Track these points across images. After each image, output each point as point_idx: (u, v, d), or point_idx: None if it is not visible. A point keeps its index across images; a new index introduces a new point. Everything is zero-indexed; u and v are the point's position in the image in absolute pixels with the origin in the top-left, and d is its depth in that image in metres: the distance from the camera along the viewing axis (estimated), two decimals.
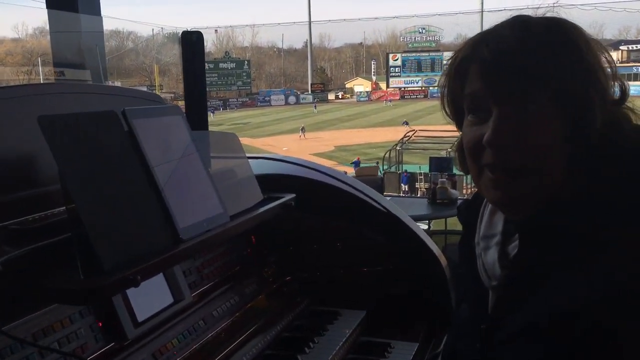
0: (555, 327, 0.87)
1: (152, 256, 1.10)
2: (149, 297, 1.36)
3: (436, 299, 1.82)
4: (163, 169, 1.27)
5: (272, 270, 1.88)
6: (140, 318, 1.31)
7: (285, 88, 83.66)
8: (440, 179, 6.27)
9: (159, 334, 1.36)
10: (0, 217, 1.12)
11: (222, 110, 66.49)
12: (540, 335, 0.89)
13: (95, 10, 2.52)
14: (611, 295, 0.83)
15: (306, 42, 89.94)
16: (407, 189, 21.79)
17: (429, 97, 73.80)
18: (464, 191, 21.12)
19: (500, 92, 0.92)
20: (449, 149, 23.74)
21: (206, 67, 2.02)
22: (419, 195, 19.11)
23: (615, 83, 0.95)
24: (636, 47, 68.41)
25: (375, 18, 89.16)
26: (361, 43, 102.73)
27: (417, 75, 76.56)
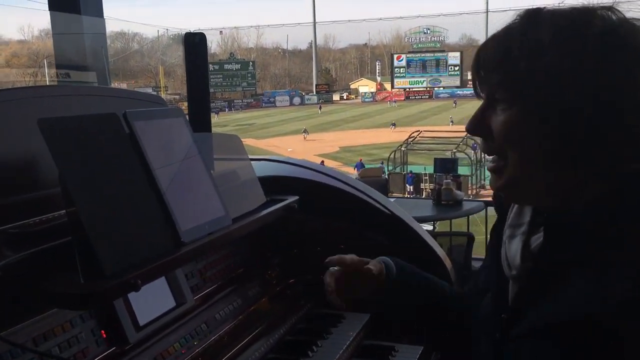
0: (573, 328, 0.86)
1: (153, 260, 1.09)
2: (151, 301, 1.35)
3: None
4: (164, 171, 1.26)
5: (275, 272, 1.87)
6: (141, 322, 1.30)
7: (290, 89, 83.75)
8: (445, 180, 6.24)
9: (161, 337, 1.34)
10: (1, 220, 1.11)
11: (227, 111, 66.60)
12: (558, 334, 0.88)
13: (98, 12, 2.51)
14: (631, 298, 0.83)
15: (311, 43, 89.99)
16: (412, 190, 21.79)
17: (434, 97, 73.74)
18: (469, 192, 21.13)
19: (475, 83, 1.01)
20: (453, 150, 23.77)
21: (211, 68, 2.02)
22: (423, 196, 19.10)
23: None
24: None
25: (380, 19, 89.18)
26: (366, 44, 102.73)
27: (422, 76, 76.47)
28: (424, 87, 76.23)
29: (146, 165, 1.22)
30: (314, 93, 78.75)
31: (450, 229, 5.84)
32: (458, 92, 72.66)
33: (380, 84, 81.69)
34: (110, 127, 1.18)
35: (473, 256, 3.77)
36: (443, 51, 77.40)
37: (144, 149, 1.23)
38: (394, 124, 44.95)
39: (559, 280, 0.91)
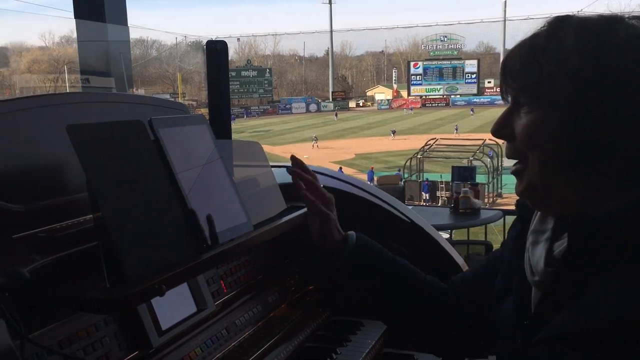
0: (597, 335, 0.85)
1: (178, 265, 1.10)
2: (173, 306, 1.37)
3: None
4: (188, 177, 1.27)
5: (294, 279, 1.88)
6: (164, 326, 1.31)
7: (307, 96, 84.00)
8: (463, 189, 6.21)
9: (182, 342, 1.36)
10: (29, 225, 1.13)
11: (244, 117, 66.93)
12: (582, 341, 0.87)
13: (122, 20, 2.55)
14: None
15: (327, 50, 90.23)
16: (427, 198, 21.71)
17: (450, 105, 73.49)
18: (486, 200, 20.98)
19: (502, 87, 1.03)
20: (470, 158, 23.66)
21: None
22: (439, 204, 19.01)
23: None
24: None
25: (397, 26, 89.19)
26: (382, 51, 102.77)
27: (438, 84, 76.31)
28: (440, 95, 76.04)
29: (170, 171, 1.23)
30: (330, 100, 78.93)
31: (468, 237, 5.81)
32: (475, 99, 72.42)
33: (397, 91, 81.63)
34: (136, 133, 1.20)
35: None
36: (460, 59, 77.22)
37: (168, 155, 1.24)
38: (393, 132, 45.03)
39: (583, 287, 0.90)
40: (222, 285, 1.58)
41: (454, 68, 76.15)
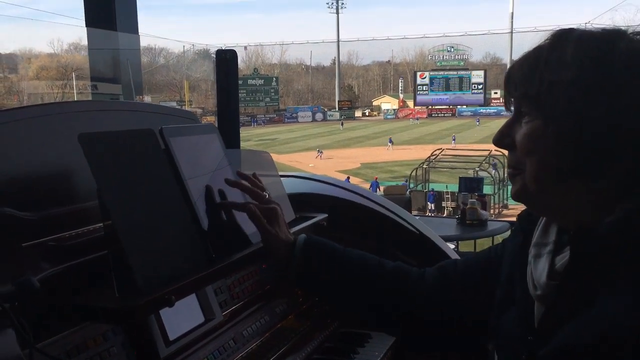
0: (602, 349, 0.84)
1: (187, 275, 1.09)
2: (181, 316, 1.36)
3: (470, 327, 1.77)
4: (198, 186, 1.27)
5: (301, 291, 1.87)
6: (172, 336, 1.30)
7: (313, 105, 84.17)
8: (470, 200, 6.19)
9: (190, 353, 1.34)
10: (39, 233, 1.13)
11: (250, 125, 67.14)
12: (587, 355, 0.86)
13: (133, 28, 2.57)
14: None
15: (334, 60, 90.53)
16: (433, 208, 21.65)
17: (456, 115, 73.51)
18: (492, 211, 20.92)
19: (506, 97, 1.04)
20: (476, 168, 23.63)
21: None
22: (445, 214, 18.95)
23: None
24: None
25: (404, 37, 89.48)
26: (389, 61, 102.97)
27: (444, 94, 76.32)
28: (446, 105, 76.05)
29: (180, 180, 1.23)
30: (337, 109, 79.06)
31: (475, 248, 5.79)
32: (481, 110, 72.39)
33: (403, 101, 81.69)
34: (147, 142, 1.20)
35: None
36: (466, 69, 77.27)
37: (178, 164, 1.24)
38: (391, 141, 45.02)
39: (586, 300, 0.90)
40: (229, 295, 1.57)
41: (461, 78, 76.18)
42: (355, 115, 79.65)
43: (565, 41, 0.95)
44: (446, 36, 79.74)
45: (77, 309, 1.00)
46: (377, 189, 22.61)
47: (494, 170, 24.07)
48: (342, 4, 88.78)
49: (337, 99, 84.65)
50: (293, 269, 1.38)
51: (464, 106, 75.17)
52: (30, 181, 1.24)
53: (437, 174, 26.28)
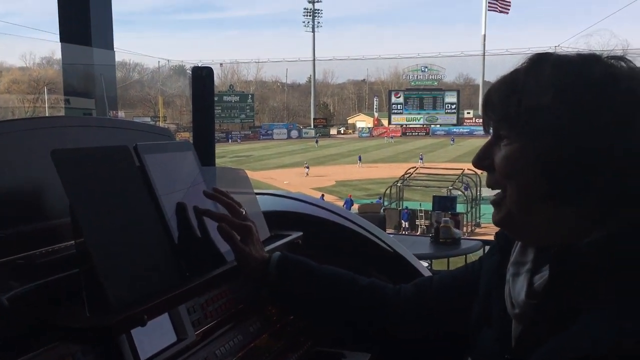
0: None
1: (160, 294, 1.08)
2: (153, 335, 1.33)
3: (442, 343, 1.78)
4: (173, 205, 1.26)
5: (276, 309, 1.85)
6: (143, 357, 1.27)
7: (288, 122, 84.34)
8: (443, 218, 6.24)
9: None
10: (7, 251, 1.11)
11: (225, 142, 66.88)
12: None
13: (108, 44, 2.55)
14: (630, 344, 0.81)
15: (310, 78, 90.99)
16: (407, 226, 21.77)
17: (430, 134, 74.32)
18: (464, 229, 21.11)
19: (484, 119, 1.05)
20: (449, 187, 23.87)
21: None
22: (418, 233, 19.06)
23: None
24: None
25: (379, 57, 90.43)
26: (364, 80, 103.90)
27: (418, 113, 77.19)
28: (420, 124, 76.88)
29: (155, 198, 1.22)
30: (312, 127, 79.31)
31: (448, 267, 5.82)
32: (454, 129, 73.34)
33: (378, 120, 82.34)
34: (121, 159, 1.19)
35: None
36: (440, 89, 78.33)
37: (153, 181, 1.23)
38: (360, 159, 45.50)
39: (564, 320, 0.90)
40: (202, 313, 1.55)
41: (434, 98, 77.16)
42: (331, 133, 79.97)
43: (542, 65, 0.97)
44: (420, 57, 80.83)
45: (47, 329, 0.98)
46: (351, 207, 22.66)
47: (466, 190, 24.34)
48: (318, 23, 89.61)
49: (312, 116, 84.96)
50: (267, 286, 1.38)
51: (438, 125, 76.08)
52: (0, 198, 1.21)
53: (411, 192, 26.47)
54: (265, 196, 1.98)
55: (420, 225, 21.55)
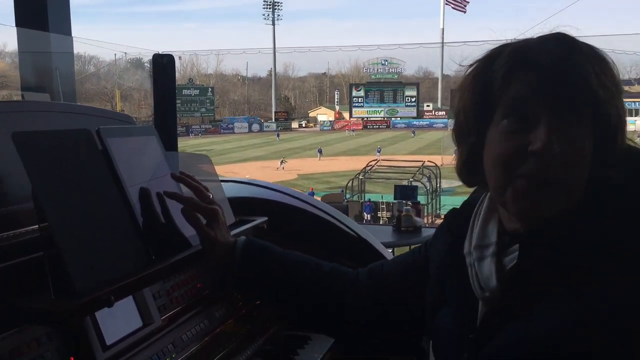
0: (546, 348, 0.87)
1: (126, 277, 1.08)
2: (118, 320, 1.33)
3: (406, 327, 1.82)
4: (137, 188, 1.26)
5: (241, 294, 1.86)
6: (109, 341, 1.27)
7: (249, 116, 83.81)
8: (405, 207, 6.33)
9: (128, 357, 1.32)
10: None
11: (185, 136, 66.02)
12: (532, 354, 0.89)
13: (66, 29, 2.47)
14: (598, 328, 0.84)
15: (270, 71, 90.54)
16: (369, 218, 21.91)
17: (391, 127, 74.99)
18: (425, 220, 21.37)
19: (556, 101, 0.92)
20: (410, 179, 24.13)
21: None
22: (380, 224, 19.22)
23: None
24: None
25: (340, 48, 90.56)
26: (325, 73, 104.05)
27: (379, 106, 77.78)
28: (381, 117, 77.50)
29: (119, 182, 1.22)
30: (273, 120, 79.04)
31: None
32: (415, 122, 74.18)
33: (339, 113, 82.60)
34: (84, 143, 1.18)
35: None
36: (400, 82, 79.04)
37: (116, 165, 1.23)
38: (320, 151, 45.70)
39: (532, 301, 0.92)
40: (168, 299, 1.55)
41: (395, 91, 77.85)
42: (292, 127, 79.88)
43: (578, 46, 0.96)
44: (380, 48, 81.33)
45: (12, 312, 0.97)
46: None
47: (427, 182, 24.66)
48: (279, 15, 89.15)
49: (273, 110, 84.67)
50: (233, 270, 1.38)
51: (399, 118, 76.82)
52: None
53: (373, 185, 26.66)
54: (230, 183, 1.98)
55: (382, 217, 21.73)
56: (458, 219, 1.15)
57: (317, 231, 1.90)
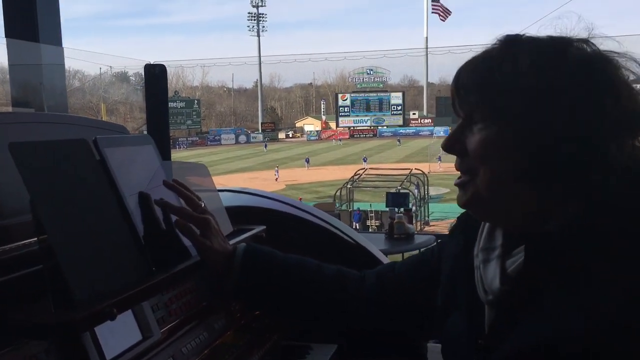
0: (555, 350, 0.86)
1: (127, 288, 1.05)
2: (117, 334, 1.30)
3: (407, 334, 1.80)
4: (135, 198, 1.24)
5: (240, 305, 1.84)
6: (108, 356, 1.24)
7: (236, 127, 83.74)
8: (397, 214, 6.32)
9: None
10: None
11: (172, 149, 65.73)
12: (541, 357, 0.87)
13: (56, 39, 2.43)
14: (614, 321, 0.83)
15: (256, 82, 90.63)
16: (358, 227, 21.91)
17: (378, 136, 75.29)
18: (415, 227, 21.44)
19: (455, 102, 1.03)
20: (398, 187, 24.21)
21: None
22: (370, 232, 19.23)
23: None
24: None
25: (326, 58, 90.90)
26: (311, 83, 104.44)
27: (365, 115, 78.10)
28: (367, 126, 77.79)
29: (117, 192, 1.19)
30: (260, 131, 79.04)
31: None
32: (401, 130, 74.55)
33: (326, 123, 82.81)
34: (81, 153, 1.16)
35: None
36: (386, 91, 79.48)
37: (114, 175, 1.20)
38: (307, 160, 45.72)
39: (539, 303, 0.91)
40: (167, 311, 1.52)
41: (380, 100, 78.26)
42: (279, 137, 79.94)
43: (516, 47, 0.96)
44: (365, 57, 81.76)
45: (11, 326, 0.94)
46: None
47: (415, 189, 24.76)
48: (263, 27, 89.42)
49: (260, 120, 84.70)
50: (232, 278, 1.36)
51: (385, 127, 77.16)
52: None
53: (361, 194, 26.71)
54: (227, 192, 1.96)
55: (371, 225, 21.76)
56: (469, 221, 1.14)
57: (315, 239, 1.88)
